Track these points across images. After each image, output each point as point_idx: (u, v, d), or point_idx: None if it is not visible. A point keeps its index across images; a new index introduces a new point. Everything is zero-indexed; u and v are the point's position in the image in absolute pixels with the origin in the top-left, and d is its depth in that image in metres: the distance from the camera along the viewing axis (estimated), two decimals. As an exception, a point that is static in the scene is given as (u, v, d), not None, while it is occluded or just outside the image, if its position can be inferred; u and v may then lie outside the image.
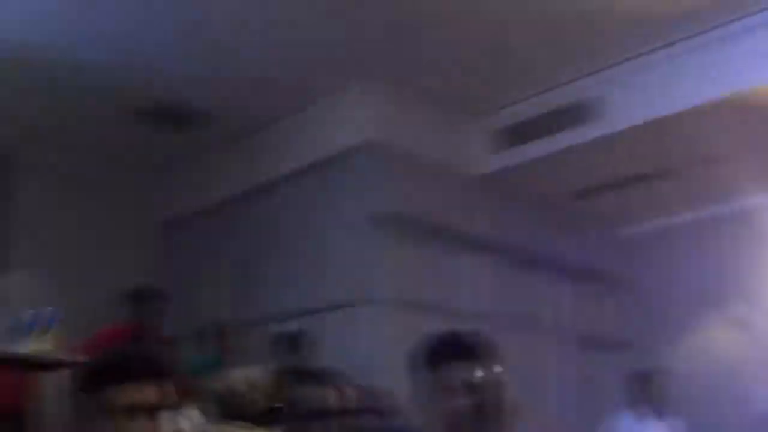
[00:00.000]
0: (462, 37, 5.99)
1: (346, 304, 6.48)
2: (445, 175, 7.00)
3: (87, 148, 7.80)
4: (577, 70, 6.47)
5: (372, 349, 6.21)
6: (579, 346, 7.83)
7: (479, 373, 2.20)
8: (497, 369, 2.25)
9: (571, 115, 6.61)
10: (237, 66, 6.42)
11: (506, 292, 7.27)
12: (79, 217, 7.89)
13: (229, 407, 5.23)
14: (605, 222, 8.34)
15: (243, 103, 7.00)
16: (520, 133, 6.95)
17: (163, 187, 8.50)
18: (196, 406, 5.13)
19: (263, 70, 6.47)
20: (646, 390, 6.29)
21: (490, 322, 6.50)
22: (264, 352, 6.12)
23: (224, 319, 6.38)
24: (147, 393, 1.98)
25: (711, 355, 7.69)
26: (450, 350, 2.26)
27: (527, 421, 2.38)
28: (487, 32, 5.92)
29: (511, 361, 2.31)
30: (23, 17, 5.84)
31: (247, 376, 5.67)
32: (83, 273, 7.38)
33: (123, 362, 2.02)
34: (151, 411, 1.97)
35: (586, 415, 7.02)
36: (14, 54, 6.26)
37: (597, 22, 5.80)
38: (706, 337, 7.85)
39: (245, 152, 7.62)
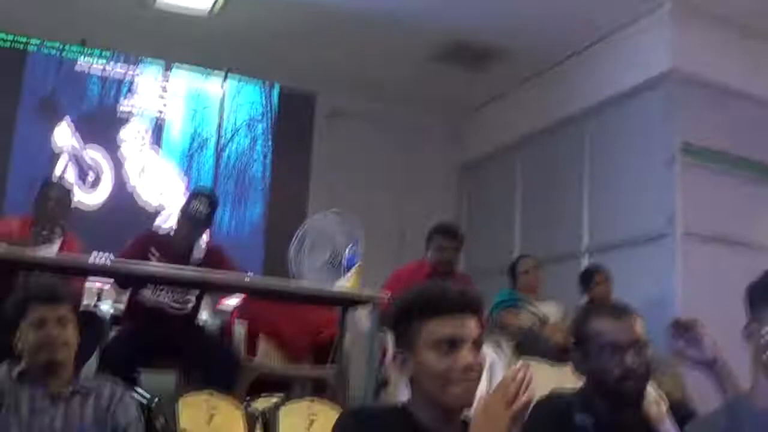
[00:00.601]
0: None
1: (649, 238, 6.28)
2: (751, 104, 6.56)
3: (388, 91, 7.99)
4: None
5: (676, 284, 5.99)
6: None
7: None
8: None
9: None
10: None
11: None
12: (380, 160, 8.14)
13: (526, 343, 5.25)
14: None
15: (542, 37, 6.87)
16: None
17: (464, 128, 8.64)
18: (495, 342, 5.18)
19: (562, 2, 6.33)
20: None
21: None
22: (563, 289, 6.08)
23: (522, 257, 6.36)
24: (469, 326, 1.97)
25: None
26: None
27: None
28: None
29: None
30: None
31: (543, 313, 5.68)
32: (382, 214, 7.60)
33: (445, 295, 1.99)
34: (473, 343, 1.95)
35: None
36: (317, 1, 6.51)
37: None
38: None
39: (544, 88, 7.53)
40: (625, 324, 2.47)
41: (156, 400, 3.96)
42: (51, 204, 4.90)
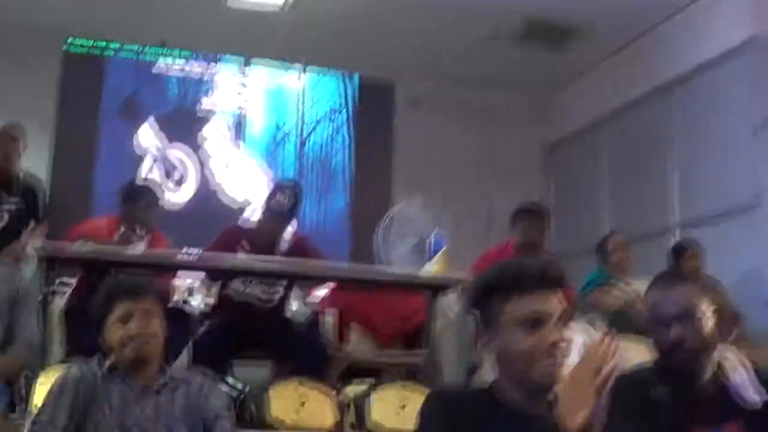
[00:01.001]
0: None
1: (741, 211, 6.12)
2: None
3: (465, 75, 7.94)
4: None
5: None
6: None
7: None
8: None
9: None
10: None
11: None
12: (463, 144, 8.10)
13: (620, 321, 5.16)
14: None
15: (621, 11, 6.76)
16: None
17: (547, 108, 8.57)
18: (585, 319, 5.10)
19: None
20: None
21: None
22: (654, 266, 5.96)
23: (611, 234, 6.25)
24: (552, 302, 1.91)
25: None
26: None
27: None
28: None
29: None
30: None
31: (633, 289, 5.57)
32: (468, 198, 7.59)
33: (524, 272, 1.93)
34: (557, 321, 1.89)
35: None
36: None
37: None
38: None
39: (626, 63, 7.43)
40: (672, 295, 2.40)
41: (247, 389, 3.99)
42: (139, 210, 4.98)
